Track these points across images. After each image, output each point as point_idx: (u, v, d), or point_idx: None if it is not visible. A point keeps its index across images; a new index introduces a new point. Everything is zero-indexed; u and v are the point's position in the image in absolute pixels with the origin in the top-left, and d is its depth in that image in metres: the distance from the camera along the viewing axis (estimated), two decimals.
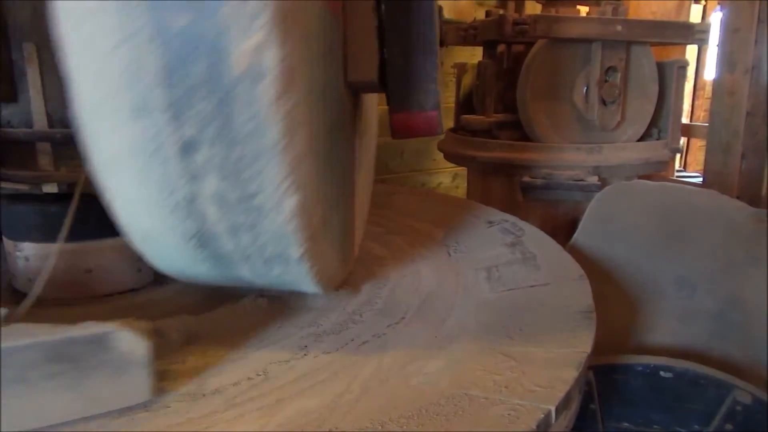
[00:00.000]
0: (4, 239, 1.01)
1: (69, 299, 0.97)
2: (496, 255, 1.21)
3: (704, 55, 4.29)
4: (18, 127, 0.94)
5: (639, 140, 2.11)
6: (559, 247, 1.25)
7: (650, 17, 2.76)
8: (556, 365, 0.76)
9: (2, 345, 0.57)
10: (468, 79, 2.36)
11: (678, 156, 3.19)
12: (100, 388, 0.63)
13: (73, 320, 0.86)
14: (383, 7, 0.83)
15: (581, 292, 1.00)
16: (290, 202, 0.65)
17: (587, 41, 1.93)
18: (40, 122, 0.94)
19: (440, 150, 2.36)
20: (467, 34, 2.18)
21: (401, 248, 1.27)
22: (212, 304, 0.96)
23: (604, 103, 1.97)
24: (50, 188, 0.96)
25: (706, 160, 2.30)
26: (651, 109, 2.10)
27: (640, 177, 2.02)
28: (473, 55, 2.64)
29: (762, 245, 1.33)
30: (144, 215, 0.69)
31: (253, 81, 0.58)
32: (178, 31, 0.56)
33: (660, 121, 2.15)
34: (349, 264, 1.01)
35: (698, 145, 4.08)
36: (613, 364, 1.25)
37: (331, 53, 0.79)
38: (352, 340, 0.85)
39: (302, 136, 0.65)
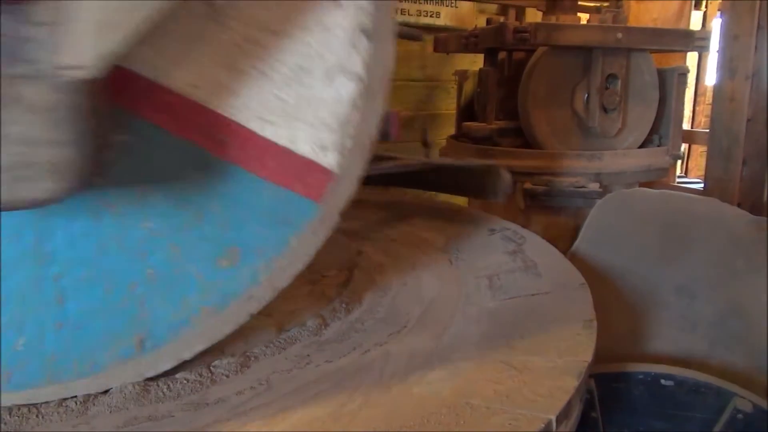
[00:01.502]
0: None
1: None
2: (497, 263, 1.21)
3: (705, 60, 4.29)
4: None
5: (640, 147, 2.12)
6: (560, 255, 1.25)
7: (651, 24, 2.77)
8: (557, 374, 0.76)
9: None
10: (469, 86, 2.37)
11: (679, 162, 3.19)
12: None
13: None
14: None
15: (582, 301, 1.00)
16: None
17: (588, 49, 1.94)
18: None
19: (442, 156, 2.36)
20: (468, 42, 2.19)
21: (403, 256, 1.28)
22: None
23: (604, 110, 1.98)
24: None
25: (707, 166, 2.30)
26: (652, 115, 2.11)
27: (642, 184, 2.03)
28: (474, 62, 2.65)
29: (762, 253, 1.33)
30: None
31: None
32: None
33: (661, 128, 2.16)
34: None
35: (699, 151, 4.07)
36: (614, 373, 1.25)
37: None
38: (354, 349, 0.86)
39: None
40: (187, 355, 0.77)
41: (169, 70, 0.71)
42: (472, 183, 1.54)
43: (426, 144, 1.66)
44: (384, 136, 1.41)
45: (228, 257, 0.76)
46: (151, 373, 0.76)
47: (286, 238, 0.77)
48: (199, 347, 0.78)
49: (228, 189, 0.74)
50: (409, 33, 1.87)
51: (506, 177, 1.48)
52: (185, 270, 0.75)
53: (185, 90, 0.72)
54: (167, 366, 0.77)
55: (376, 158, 1.47)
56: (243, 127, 0.73)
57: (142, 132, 0.72)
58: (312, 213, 0.77)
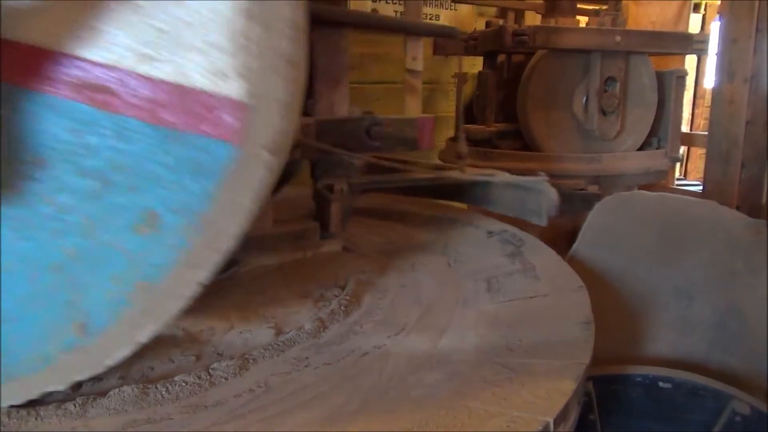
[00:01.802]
0: None
1: None
2: (496, 265, 1.21)
3: (704, 63, 4.30)
4: None
5: (639, 149, 2.13)
6: (558, 257, 1.26)
7: (650, 27, 2.78)
8: (555, 377, 0.76)
9: None
10: (468, 89, 2.37)
11: (678, 165, 3.20)
12: None
13: None
14: None
15: (580, 303, 1.01)
16: None
17: (586, 52, 1.95)
18: None
19: (441, 159, 2.37)
20: (467, 45, 2.20)
21: (402, 258, 1.28)
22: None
23: (603, 112, 1.99)
24: None
25: (705, 168, 2.30)
26: (650, 118, 2.11)
27: (641, 186, 2.04)
28: (474, 64, 2.66)
29: (761, 256, 1.33)
30: None
31: None
32: None
33: (660, 131, 2.16)
34: None
35: (698, 154, 4.08)
36: (612, 375, 1.26)
37: None
38: (353, 352, 0.86)
39: None
40: (143, 338, 0.70)
41: (19, 22, 0.62)
42: (512, 200, 1.43)
43: (460, 156, 1.52)
44: (412, 144, 1.31)
45: (147, 223, 0.67)
46: (110, 362, 0.71)
47: (207, 190, 0.66)
48: (152, 327, 0.70)
49: (124, 146, 0.65)
50: (445, 30, 1.84)
51: (551, 196, 1.31)
52: (105, 244, 0.67)
53: (41, 40, 0.63)
54: (125, 352, 0.70)
55: (404, 170, 1.41)
56: (120, 70, 0.63)
57: (11, 98, 0.65)
58: (230, 155, 0.65)
